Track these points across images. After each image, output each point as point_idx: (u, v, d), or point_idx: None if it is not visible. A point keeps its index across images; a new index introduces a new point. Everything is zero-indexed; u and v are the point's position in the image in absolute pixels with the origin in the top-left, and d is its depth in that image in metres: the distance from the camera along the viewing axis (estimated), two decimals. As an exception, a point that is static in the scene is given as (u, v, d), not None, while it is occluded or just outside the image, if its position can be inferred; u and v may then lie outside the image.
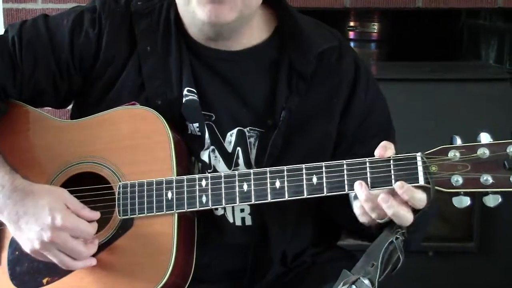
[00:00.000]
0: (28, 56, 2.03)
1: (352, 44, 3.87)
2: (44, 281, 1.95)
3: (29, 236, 1.86)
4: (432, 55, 3.79)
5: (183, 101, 2.00)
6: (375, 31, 3.95)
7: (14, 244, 1.97)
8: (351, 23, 3.95)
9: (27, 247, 1.88)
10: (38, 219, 1.84)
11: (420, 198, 1.73)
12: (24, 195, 1.88)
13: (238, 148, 2.02)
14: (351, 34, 3.95)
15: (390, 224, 1.77)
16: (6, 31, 2.09)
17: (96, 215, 1.91)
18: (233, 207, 2.02)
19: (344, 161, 1.79)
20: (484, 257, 3.30)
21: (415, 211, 1.74)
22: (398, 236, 1.75)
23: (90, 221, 1.90)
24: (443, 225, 3.29)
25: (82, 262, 1.89)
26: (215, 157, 2.02)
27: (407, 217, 1.73)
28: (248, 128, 2.02)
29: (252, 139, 2.02)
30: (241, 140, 2.02)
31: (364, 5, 3.39)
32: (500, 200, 1.69)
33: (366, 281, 1.75)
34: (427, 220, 1.79)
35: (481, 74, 3.42)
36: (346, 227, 1.98)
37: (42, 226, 1.83)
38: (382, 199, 1.71)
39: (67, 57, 2.03)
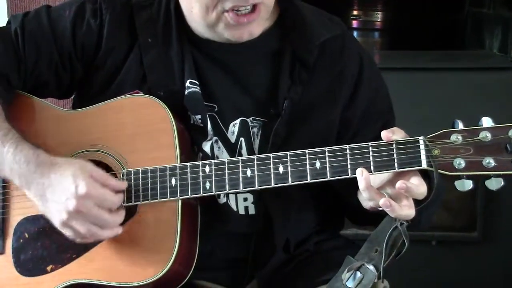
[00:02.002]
0: (31, 47, 2.03)
1: (355, 33, 3.88)
2: (48, 268, 1.96)
3: (56, 208, 1.85)
4: (436, 44, 3.78)
5: (185, 93, 2.01)
6: (379, 20, 3.95)
7: (18, 232, 1.99)
8: (355, 12, 3.95)
9: (56, 220, 1.86)
10: (63, 189, 1.83)
11: (422, 193, 1.74)
12: (49, 167, 1.87)
13: (241, 138, 2.03)
14: (355, 23, 3.95)
15: None
16: (8, 23, 2.10)
17: (123, 184, 1.90)
18: (236, 195, 2.02)
19: (347, 146, 1.79)
20: (487, 246, 3.30)
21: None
22: (403, 222, 1.75)
23: (116, 192, 1.89)
24: (447, 215, 3.29)
25: (108, 231, 1.87)
26: (219, 147, 2.02)
27: (409, 216, 1.75)
28: (251, 118, 2.03)
29: (255, 129, 2.02)
30: (244, 130, 2.03)
31: (368, -6, 3.40)
32: (502, 183, 1.69)
33: (371, 267, 1.75)
34: (435, 201, 1.79)
35: (485, 63, 3.43)
36: (353, 206, 1.96)
37: (67, 196, 1.82)
38: (383, 204, 1.72)
39: (69, 47, 2.04)
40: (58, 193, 1.84)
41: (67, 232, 1.87)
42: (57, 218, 1.86)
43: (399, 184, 1.71)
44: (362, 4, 3.91)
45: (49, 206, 1.86)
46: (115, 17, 2.04)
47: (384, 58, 3.53)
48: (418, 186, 1.73)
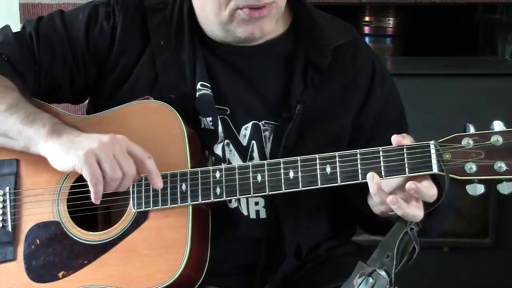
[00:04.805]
0: (46, 50, 2.06)
1: (367, 39, 3.87)
2: (60, 274, 1.96)
3: (89, 140, 1.83)
4: (448, 50, 3.77)
5: (197, 95, 2.01)
6: (391, 26, 3.94)
7: (30, 239, 1.99)
8: (367, 18, 3.94)
9: (83, 151, 1.81)
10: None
11: (432, 196, 1.74)
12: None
13: (253, 141, 2.03)
14: (367, 29, 3.94)
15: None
16: (23, 27, 2.13)
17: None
18: (247, 200, 2.02)
19: (358, 151, 1.79)
20: (499, 252, 3.29)
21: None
22: (412, 227, 1.75)
23: None
24: (459, 221, 3.28)
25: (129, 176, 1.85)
26: (230, 150, 2.03)
27: (417, 216, 1.74)
28: (263, 122, 2.03)
29: (267, 133, 2.03)
30: (255, 133, 2.03)
31: (380, 0, 3.38)
32: None
33: (383, 273, 1.75)
34: (446, 208, 1.79)
35: (497, 69, 3.41)
36: (364, 213, 1.96)
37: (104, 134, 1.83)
38: (390, 201, 1.71)
39: (83, 49, 2.06)
40: (93, 134, 1.85)
41: (87, 169, 1.81)
42: (86, 147, 1.81)
43: (409, 185, 1.70)
44: (374, 10, 3.91)
45: (80, 142, 1.83)
46: (127, 19, 2.07)
47: (396, 64, 3.52)
48: (427, 187, 1.72)
